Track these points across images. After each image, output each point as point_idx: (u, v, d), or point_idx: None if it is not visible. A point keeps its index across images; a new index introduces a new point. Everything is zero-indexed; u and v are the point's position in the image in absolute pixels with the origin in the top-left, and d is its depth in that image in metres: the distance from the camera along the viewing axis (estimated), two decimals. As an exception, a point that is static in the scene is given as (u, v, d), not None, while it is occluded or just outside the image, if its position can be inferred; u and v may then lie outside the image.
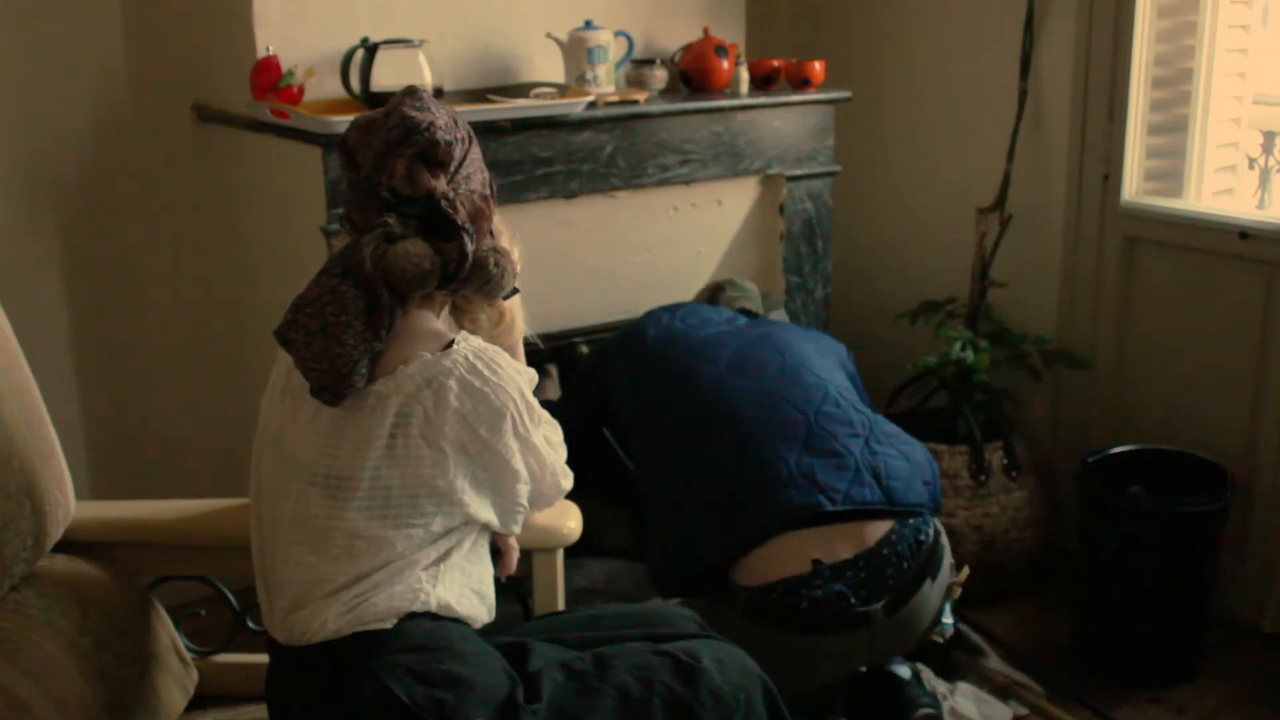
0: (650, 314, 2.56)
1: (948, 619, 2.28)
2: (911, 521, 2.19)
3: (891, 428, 2.33)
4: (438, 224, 1.43)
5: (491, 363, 1.43)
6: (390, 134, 1.44)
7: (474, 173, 1.52)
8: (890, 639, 2.18)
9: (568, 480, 1.59)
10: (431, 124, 1.45)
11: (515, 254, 1.57)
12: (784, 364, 2.35)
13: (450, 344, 1.44)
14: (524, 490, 1.51)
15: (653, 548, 2.30)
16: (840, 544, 2.13)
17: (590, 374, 2.55)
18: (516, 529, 1.55)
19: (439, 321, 1.51)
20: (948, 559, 2.24)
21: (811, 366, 2.37)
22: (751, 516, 2.15)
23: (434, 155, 1.45)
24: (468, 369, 1.41)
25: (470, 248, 1.43)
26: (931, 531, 2.21)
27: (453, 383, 1.40)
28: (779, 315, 2.76)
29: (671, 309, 2.56)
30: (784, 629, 2.11)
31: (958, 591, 2.28)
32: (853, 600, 2.09)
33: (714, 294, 2.71)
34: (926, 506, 2.22)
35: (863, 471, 2.19)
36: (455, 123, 1.51)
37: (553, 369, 2.72)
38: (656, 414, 2.36)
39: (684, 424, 2.31)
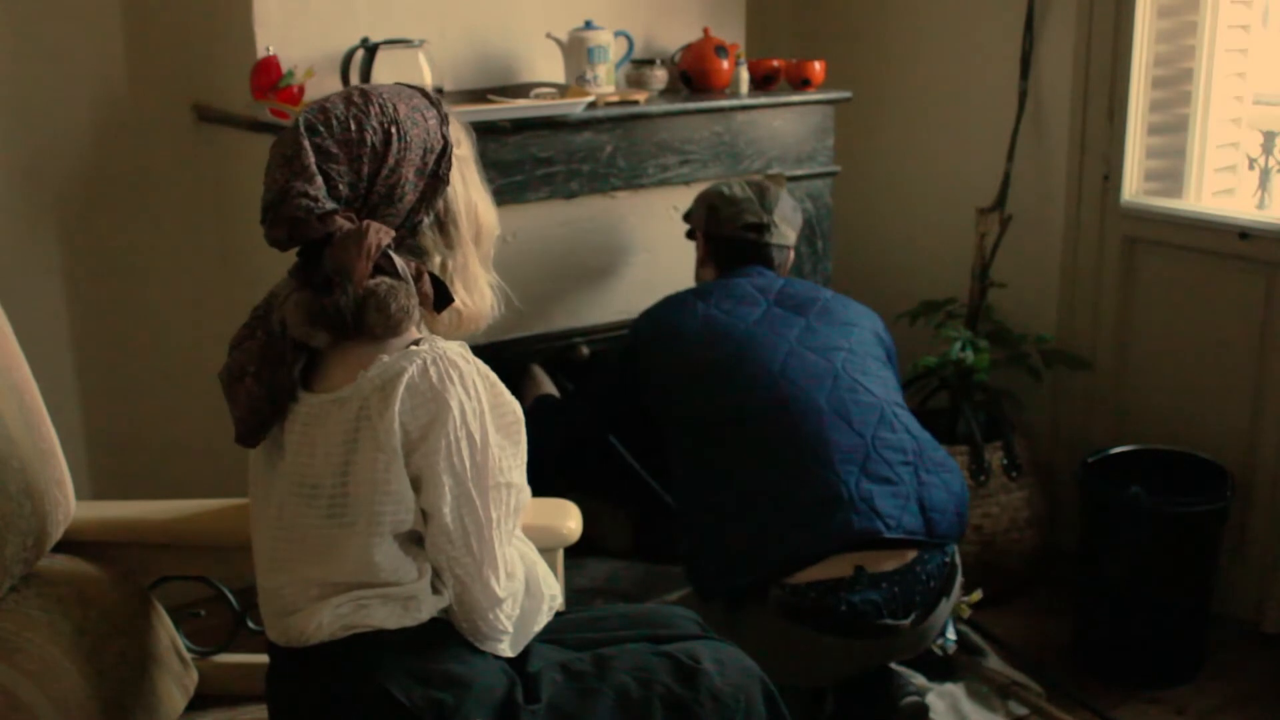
0: (682, 303, 2.47)
1: (951, 634, 2.35)
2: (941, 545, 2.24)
3: (939, 454, 2.33)
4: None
5: (446, 371, 1.38)
6: (266, 194, 1.39)
7: (402, 175, 1.40)
8: (901, 648, 2.22)
9: (525, 494, 1.51)
10: (286, 194, 1.35)
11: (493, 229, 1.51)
12: (838, 376, 2.31)
13: (415, 343, 1.40)
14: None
15: (700, 557, 2.25)
16: (885, 561, 2.15)
17: (628, 362, 2.47)
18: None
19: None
20: (959, 577, 2.28)
21: (864, 380, 2.33)
22: (810, 536, 2.14)
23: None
24: (419, 372, 1.37)
25: (342, 300, 1.36)
26: (953, 551, 2.26)
27: (401, 386, 1.37)
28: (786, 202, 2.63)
29: (702, 294, 2.48)
30: (813, 627, 2.12)
31: (966, 611, 2.34)
32: (883, 612, 2.12)
33: (761, 194, 2.58)
34: (956, 538, 2.26)
35: (910, 501, 2.19)
36: (357, 135, 1.37)
37: (537, 369, 2.69)
38: (708, 417, 2.30)
39: (739, 432, 2.26)
